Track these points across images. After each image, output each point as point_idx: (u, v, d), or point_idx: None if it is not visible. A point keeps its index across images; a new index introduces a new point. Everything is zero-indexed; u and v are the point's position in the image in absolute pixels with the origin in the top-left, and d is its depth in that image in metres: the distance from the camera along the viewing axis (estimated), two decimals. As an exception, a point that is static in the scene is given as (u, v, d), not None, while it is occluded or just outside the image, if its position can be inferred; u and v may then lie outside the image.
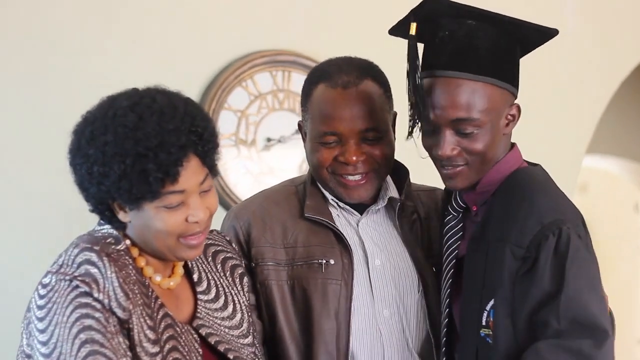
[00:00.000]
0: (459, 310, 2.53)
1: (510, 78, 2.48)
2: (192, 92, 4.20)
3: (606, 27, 5.10)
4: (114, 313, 2.17)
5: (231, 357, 2.35)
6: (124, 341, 2.17)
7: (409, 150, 2.65)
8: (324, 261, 2.66)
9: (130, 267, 2.25)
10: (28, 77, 3.94)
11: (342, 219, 2.73)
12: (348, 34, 4.47)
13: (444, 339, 2.55)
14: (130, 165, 2.17)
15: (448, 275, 2.56)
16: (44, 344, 2.15)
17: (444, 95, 2.45)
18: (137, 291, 2.23)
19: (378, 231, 2.74)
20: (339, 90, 2.65)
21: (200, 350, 2.29)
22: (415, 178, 2.82)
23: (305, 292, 2.65)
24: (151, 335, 2.22)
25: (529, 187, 2.46)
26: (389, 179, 2.76)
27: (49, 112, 3.92)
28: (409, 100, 2.49)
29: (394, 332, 2.66)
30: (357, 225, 2.73)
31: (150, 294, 2.27)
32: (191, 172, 2.23)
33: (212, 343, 2.32)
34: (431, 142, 2.49)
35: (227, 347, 2.35)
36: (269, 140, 4.34)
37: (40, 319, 2.17)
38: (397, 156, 2.75)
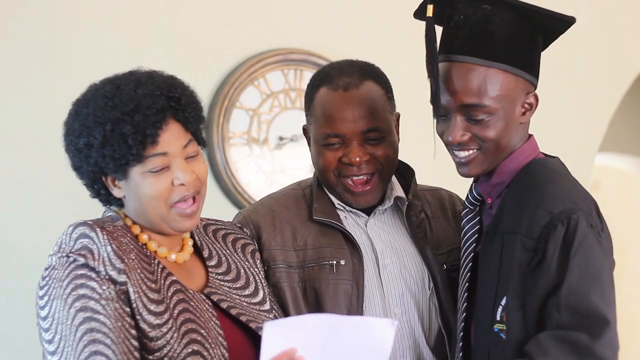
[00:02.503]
0: (474, 305, 2.51)
1: (527, 66, 2.45)
2: (205, 90, 4.21)
3: (619, 25, 5.09)
4: (110, 280, 2.22)
5: (244, 319, 2.38)
6: (121, 307, 2.22)
7: (413, 151, 2.65)
8: (335, 262, 2.67)
9: (129, 238, 2.31)
10: (38, 74, 3.95)
11: (350, 220, 2.75)
12: (360, 33, 4.48)
13: (461, 333, 2.54)
14: (109, 130, 2.26)
15: (466, 270, 2.54)
16: (44, 318, 2.22)
17: (455, 80, 2.42)
18: (134, 257, 2.28)
19: (386, 231, 2.75)
20: (340, 92, 2.67)
21: (214, 313, 2.34)
22: (420, 179, 2.83)
23: (317, 293, 2.66)
24: (152, 295, 2.26)
25: (542, 177, 2.43)
26: (394, 178, 2.78)
27: (61, 112, 3.92)
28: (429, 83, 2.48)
29: (405, 330, 2.67)
30: (366, 226, 2.74)
31: (153, 262, 2.32)
32: (172, 135, 2.31)
33: (224, 308, 2.36)
34: (443, 127, 2.48)
35: (239, 311, 2.38)
36: (281, 139, 4.35)
37: (41, 297, 2.24)
38: (401, 157, 2.76)
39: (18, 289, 3.87)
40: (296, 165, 4.33)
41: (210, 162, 4.22)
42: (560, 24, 2.48)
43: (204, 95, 4.21)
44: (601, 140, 5.08)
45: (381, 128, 2.67)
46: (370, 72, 2.72)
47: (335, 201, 2.74)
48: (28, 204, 3.94)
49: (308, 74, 4.27)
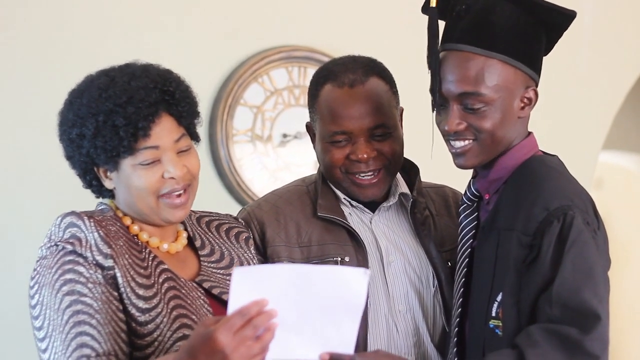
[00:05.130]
0: (469, 301, 2.52)
1: (527, 59, 2.45)
2: (209, 87, 4.22)
3: (623, 24, 5.08)
4: (98, 265, 2.24)
5: None
6: (108, 290, 2.23)
7: (418, 148, 2.66)
8: (339, 259, 2.67)
9: (118, 227, 2.33)
10: (38, 72, 3.96)
11: (355, 217, 2.75)
12: (363, 30, 4.48)
13: (456, 329, 2.54)
14: (102, 121, 2.28)
15: (462, 265, 2.54)
16: (34, 306, 2.24)
17: (453, 69, 2.43)
18: (122, 244, 2.30)
19: (391, 228, 2.75)
20: (345, 89, 2.67)
21: (207, 300, 2.35)
22: (424, 177, 2.83)
23: None
24: (141, 280, 2.28)
25: (539, 174, 2.43)
26: (398, 175, 2.78)
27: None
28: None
29: (410, 327, 2.67)
30: (370, 223, 2.74)
31: (144, 251, 2.33)
32: (164, 129, 2.32)
33: (216, 294, 2.37)
34: (441, 117, 2.48)
35: None
36: (285, 136, 4.35)
37: (31, 287, 2.26)
38: (406, 155, 2.76)
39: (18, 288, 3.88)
40: (300, 162, 4.33)
41: (214, 159, 4.23)
42: (561, 17, 2.47)
43: (208, 92, 4.22)
44: (605, 138, 5.08)
45: (387, 124, 2.67)
46: (374, 68, 2.72)
47: (341, 196, 2.73)
48: (26, 202, 3.95)
49: (312, 71, 4.22)
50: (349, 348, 2.11)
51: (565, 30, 2.51)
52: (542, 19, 2.46)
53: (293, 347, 2.07)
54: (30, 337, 2.28)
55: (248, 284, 2.02)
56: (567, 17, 2.48)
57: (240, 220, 2.64)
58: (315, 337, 2.09)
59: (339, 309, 2.07)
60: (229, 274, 2.43)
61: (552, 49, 2.53)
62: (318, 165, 2.78)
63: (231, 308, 2.02)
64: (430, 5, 2.48)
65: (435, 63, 2.45)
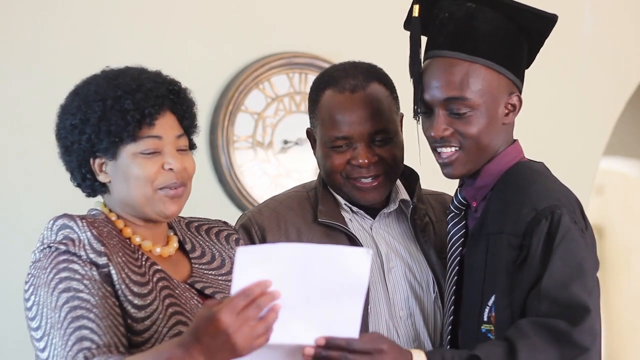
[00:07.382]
0: (461, 307, 2.53)
1: (509, 65, 2.47)
2: (209, 94, 4.22)
3: (623, 30, 5.09)
4: (92, 263, 2.24)
5: None
6: (104, 287, 2.23)
7: (417, 155, 2.67)
8: None
9: (110, 227, 2.33)
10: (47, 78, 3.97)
11: (355, 223, 2.75)
12: (364, 36, 4.49)
13: (448, 337, 2.55)
14: (110, 105, 2.30)
15: (452, 273, 2.56)
16: (30, 308, 2.24)
17: (438, 75, 2.46)
18: (115, 244, 2.30)
19: (391, 234, 2.76)
20: (346, 95, 2.68)
21: (200, 300, 2.36)
22: (424, 184, 2.84)
23: None
24: (136, 277, 2.28)
25: (526, 178, 2.45)
26: (398, 182, 2.78)
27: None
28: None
29: (410, 333, 2.68)
30: (371, 229, 2.75)
31: (137, 252, 2.34)
32: (167, 122, 2.35)
33: (209, 294, 2.38)
34: (427, 124, 2.50)
35: (225, 295, 2.38)
36: (285, 142, 4.36)
37: (26, 290, 2.26)
38: (406, 162, 2.77)
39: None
40: (301, 168, 4.33)
41: (215, 165, 4.23)
42: (541, 20, 2.49)
43: (209, 98, 4.22)
44: (605, 145, 5.09)
45: (388, 129, 2.68)
46: (375, 74, 2.73)
47: (342, 201, 2.74)
48: (21, 207, 3.95)
49: (313, 78, 4.21)
50: (353, 331, 2.11)
51: (547, 36, 2.53)
52: (523, 23, 2.48)
53: (295, 329, 2.06)
54: (28, 341, 2.27)
55: (251, 264, 2.00)
56: (547, 20, 2.50)
57: (229, 224, 2.64)
58: (318, 319, 2.08)
59: (341, 290, 2.06)
60: (221, 275, 2.45)
61: (534, 58, 2.56)
62: (319, 171, 2.79)
63: (235, 288, 2.00)
64: (413, 15, 2.51)
65: (417, 70, 2.48)
